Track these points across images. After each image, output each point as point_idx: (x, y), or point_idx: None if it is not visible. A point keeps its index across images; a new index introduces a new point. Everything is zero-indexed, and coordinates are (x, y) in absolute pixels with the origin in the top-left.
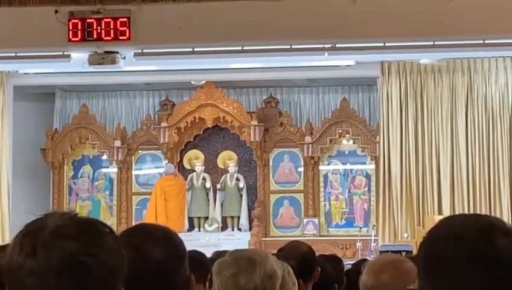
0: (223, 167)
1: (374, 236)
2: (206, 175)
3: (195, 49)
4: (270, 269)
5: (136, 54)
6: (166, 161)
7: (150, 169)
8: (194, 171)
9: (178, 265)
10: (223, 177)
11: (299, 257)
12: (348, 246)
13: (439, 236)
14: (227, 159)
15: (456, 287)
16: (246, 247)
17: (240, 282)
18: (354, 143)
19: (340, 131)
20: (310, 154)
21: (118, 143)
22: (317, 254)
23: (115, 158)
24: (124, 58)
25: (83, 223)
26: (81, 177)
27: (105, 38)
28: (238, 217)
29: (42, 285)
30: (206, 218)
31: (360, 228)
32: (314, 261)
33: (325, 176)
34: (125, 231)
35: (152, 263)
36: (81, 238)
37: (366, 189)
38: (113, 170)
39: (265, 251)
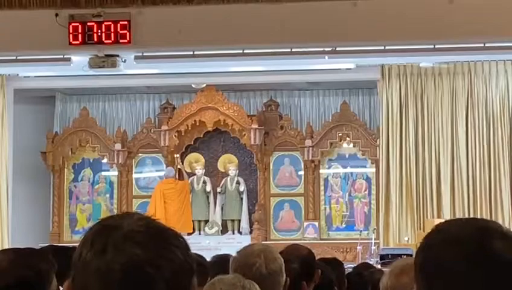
0: (223, 170)
1: (375, 239)
2: (207, 178)
3: (195, 53)
4: None
5: (136, 57)
6: (178, 156)
7: (150, 172)
8: (195, 174)
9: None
10: (224, 180)
11: (300, 259)
12: (348, 250)
13: (436, 241)
14: (228, 163)
15: None
16: None
17: None
18: (354, 146)
19: (340, 134)
20: (310, 158)
21: (118, 146)
22: (317, 257)
23: (115, 161)
24: (125, 61)
25: (157, 231)
26: (82, 180)
27: (106, 41)
28: (239, 221)
29: (105, 285)
30: (207, 221)
31: (361, 231)
32: (315, 264)
33: (326, 180)
34: None
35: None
36: (151, 247)
37: (366, 192)
38: (113, 173)
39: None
